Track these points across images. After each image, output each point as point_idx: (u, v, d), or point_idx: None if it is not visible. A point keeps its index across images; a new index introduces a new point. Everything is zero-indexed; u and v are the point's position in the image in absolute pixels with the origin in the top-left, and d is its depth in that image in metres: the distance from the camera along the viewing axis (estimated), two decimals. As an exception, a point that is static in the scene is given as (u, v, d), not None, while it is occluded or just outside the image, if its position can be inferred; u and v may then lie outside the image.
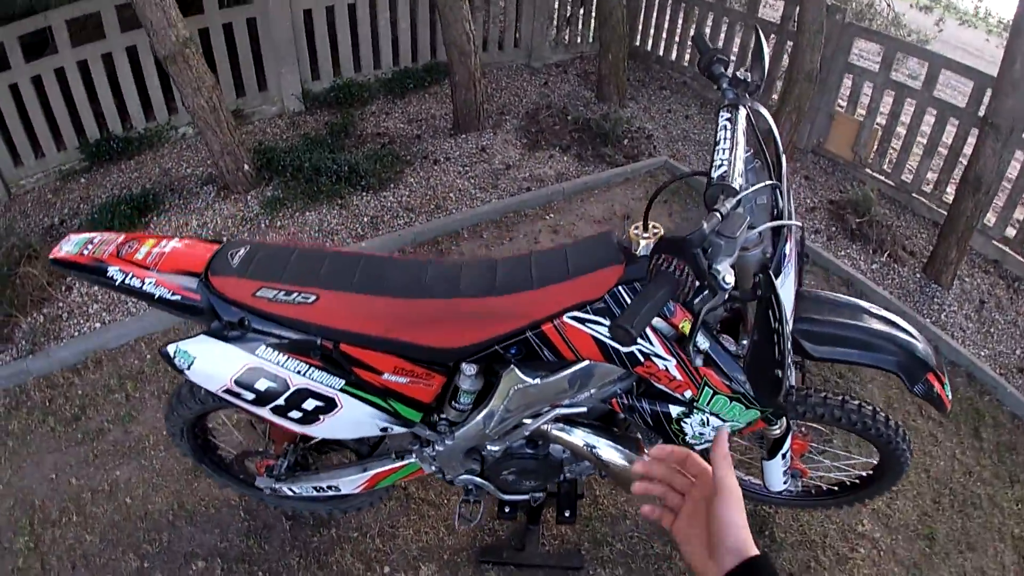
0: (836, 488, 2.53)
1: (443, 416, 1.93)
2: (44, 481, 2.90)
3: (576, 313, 1.62)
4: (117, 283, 1.74)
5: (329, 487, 2.20)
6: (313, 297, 1.70)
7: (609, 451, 1.86)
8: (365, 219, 4.14)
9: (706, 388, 1.68)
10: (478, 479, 2.09)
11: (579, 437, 1.87)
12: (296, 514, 2.63)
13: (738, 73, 1.75)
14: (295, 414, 1.80)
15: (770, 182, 1.58)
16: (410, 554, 2.54)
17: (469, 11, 4.49)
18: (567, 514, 2.27)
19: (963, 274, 4.21)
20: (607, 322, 1.59)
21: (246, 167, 4.17)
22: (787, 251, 1.53)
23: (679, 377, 1.66)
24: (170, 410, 2.15)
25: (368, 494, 2.39)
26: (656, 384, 1.71)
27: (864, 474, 2.46)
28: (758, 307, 1.45)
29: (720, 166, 1.46)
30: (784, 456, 2.15)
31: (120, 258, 1.75)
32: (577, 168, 4.62)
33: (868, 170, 4.91)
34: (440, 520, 2.63)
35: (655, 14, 5.99)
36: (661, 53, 6.11)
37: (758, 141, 1.71)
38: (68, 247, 1.81)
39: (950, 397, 1.91)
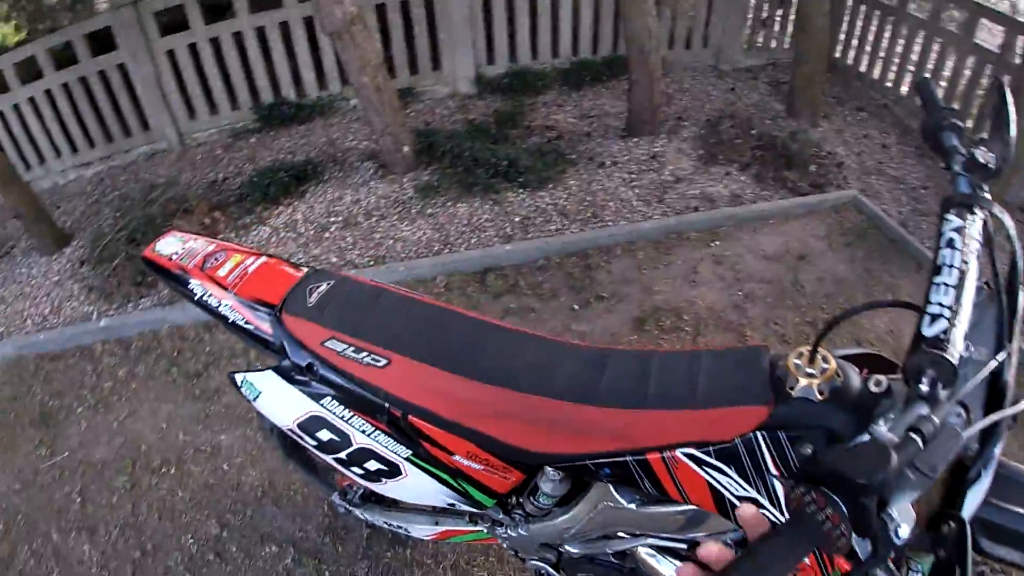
0: None
1: (520, 508, 1.67)
2: (155, 429, 3.00)
3: (695, 452, 1.23)
4: (195, 298, 1.66)
5: (399, 527, 2.05)
6: (384, 361, 1.48)
7: None
8: (516, 219, 3.94)
9: None
10: (552, 570, 1.81)
11: (668, 569, 1.52)
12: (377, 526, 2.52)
13: (978, 153, 1.22)
14: (357, 470, 1.63)
15: (1004, 354, 1.06)
16: None
17: (654, 4, 4.18)
18: None
19: None
20: (731, 471, 1.21)
21: (406, 149, 4.12)
22: (996, 452, 1.06)
23: (805, 560, 1.25)
24: None
25: None
26: None
27: None
28: (935, 567, 1.00)
29: (938, 317, 0.97)
30: None
31: (203, 271, 1.67)
32: (754, 191, 4.15)
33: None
34: (519, 571, 2.41)
35: (860, 24, 5.37)
36: (863, 69, 5.41)
37: (991, 261, 1.18)
38: (161, 248, 1.76)
39: None
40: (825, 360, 1.10)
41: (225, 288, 1.62)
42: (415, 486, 1.60)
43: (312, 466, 2.32)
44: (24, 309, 3.84)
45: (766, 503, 1.17)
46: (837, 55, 5.55)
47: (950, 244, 1.06)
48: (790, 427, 1.11)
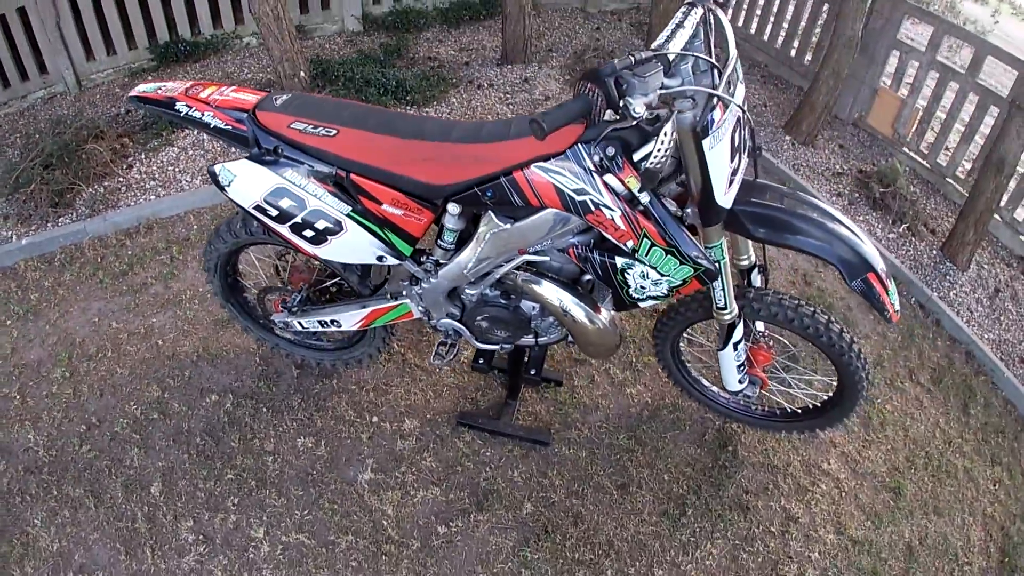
0: (799, 412, 2.71)
1: (431, 257, 2.25)
2: (87, 324, 3.24)
3: (542, 164, 1.89)
4: (182, 115, 2.13)
5: (332, 321, 2.53)
6: (334, 131, 2.05)
7: (571, 305, 2.14)
8: (405, 130, 4.38)
9: (645, 239, 1.92)
10: (457, 324, 2.40)
11: (546, 288, 2.15)
12: (305, 363, 2.96)
13: None
14: (308, 233, 2.13)
15: (700, 55, 1.76)
16: (398, 409, 2.86)
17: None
18: (532, 372, 2.72)
19: (983, 262, 4.24)
20: (566, 172, 1.87)
21: (302, 74, 4.42)
22: (713, 117, 1.74)
23: (623, 227, 1.90)
24: (209, 245, 2.53)
25: (366, 345, 2.71)
26: (604, 234, 1.95)
27: (826, 396, 2.63)
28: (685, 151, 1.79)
29: (659, 42, 1.77)
30: (736, 347, 2.36)
31: (188, 95, 2.15)
32: (615, 108, 4.76)
33: (906, 149, 4.92)
34: (429, 385, 2.94)
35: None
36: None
37: (709, 43, 1.91)
38: (144, 87, 2.23)
39: (897, 310, 2.06)
40: None
41: (208, 104, 2.12)
42: (352, 240, 2.13)
43: (247, 308, 2.78)
44: (-65, 250, 3.91)
45: (590, 190, 1.87)
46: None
47: (674, 20, 1.84)
48: (594, 138, 1.82)
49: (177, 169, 4.12)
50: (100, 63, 5.05)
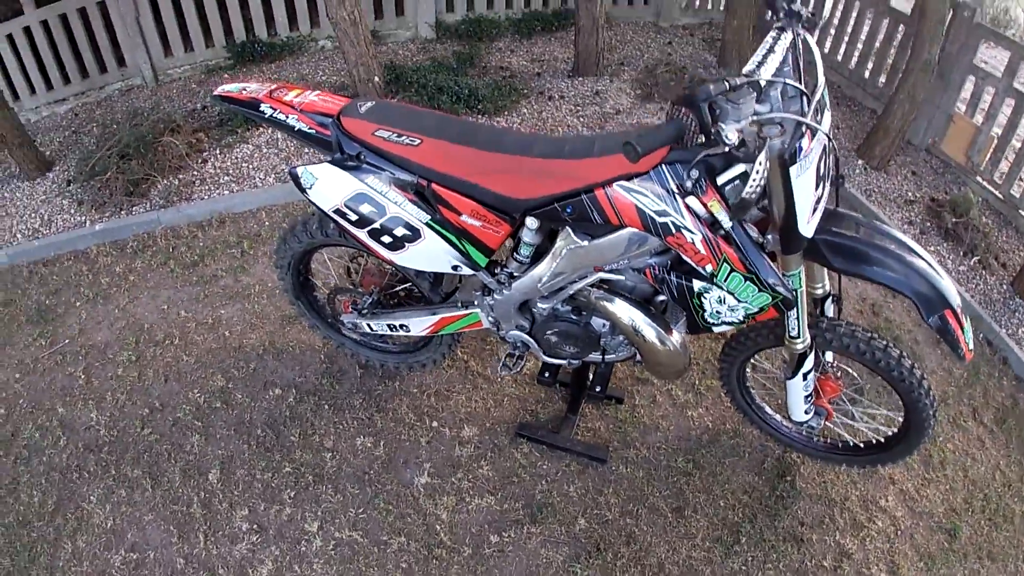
0: (861, 446, 2.65)
1: (506, 269, 2.26)
2: (156, 311, 3.34)
3: (625, 183, 1.87)
4: (267, 116, 2.18)
5: (401, 325, 2.55)
6: (418, 141, 2.07)
7: (644, 325, 2.13)
8: (475, 138, 4.43)
9: (724, 264, 1.90)
10: (526, 336, 2.40)
11: (619, 306, 2.14)
12: (369, 364, 2.99)
13: (794, 6, 1.93)
14: (386, 239, 2.16)
15: (791, 82, 1.74)
16: (458, 415, 2.88)
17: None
18: (597, 388, 2.67)
19: (1057, 300, 4.09)
20: (649, 193, 1.86)
21: (376, 79, 4.49)
22: (801, 145, 1.71)
23: (703, 251, 1.88)
24: (283, 242, 2.57)
25: (431, 350, 2.73)
26: (683, 256, 1.93)
27: (890, 432, 2.56)
28: (771, 178, 1.74)
29: (750, 67, 1.72)
30: (806, 377, 2.31)
31: (272, 98, 2.19)
32: (685, 125, 4.75)
33: (979, 178, 4.79)
34: (491, 394, 2.95)
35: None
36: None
37: (798, 69, 1.87)
38: (228, 87, 2.27)
39: (971, 348, 2.00)
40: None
41: (292, 107, 2.16)
42: (429, 248, 2.15)
43: (316, 307, 2.83)
44: (12, 226, 4.02)
45: (671, 212, 1.85)
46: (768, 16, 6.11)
47: (764, 44, 1.82)
48: (682, 160, 1.82)
49: (251, 166, 4.21)
50: (177, 59, 5.22)
